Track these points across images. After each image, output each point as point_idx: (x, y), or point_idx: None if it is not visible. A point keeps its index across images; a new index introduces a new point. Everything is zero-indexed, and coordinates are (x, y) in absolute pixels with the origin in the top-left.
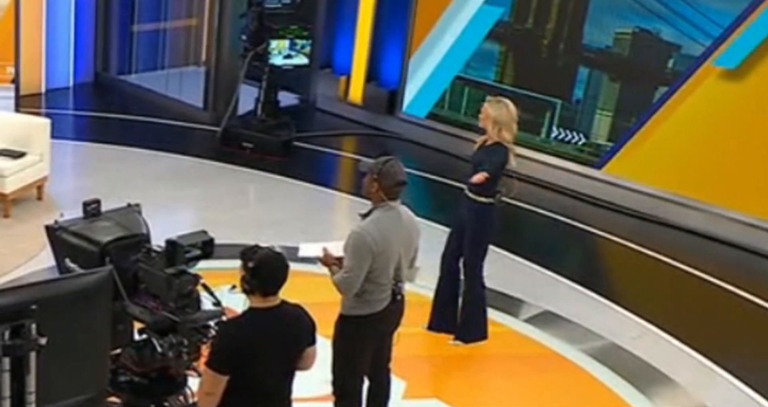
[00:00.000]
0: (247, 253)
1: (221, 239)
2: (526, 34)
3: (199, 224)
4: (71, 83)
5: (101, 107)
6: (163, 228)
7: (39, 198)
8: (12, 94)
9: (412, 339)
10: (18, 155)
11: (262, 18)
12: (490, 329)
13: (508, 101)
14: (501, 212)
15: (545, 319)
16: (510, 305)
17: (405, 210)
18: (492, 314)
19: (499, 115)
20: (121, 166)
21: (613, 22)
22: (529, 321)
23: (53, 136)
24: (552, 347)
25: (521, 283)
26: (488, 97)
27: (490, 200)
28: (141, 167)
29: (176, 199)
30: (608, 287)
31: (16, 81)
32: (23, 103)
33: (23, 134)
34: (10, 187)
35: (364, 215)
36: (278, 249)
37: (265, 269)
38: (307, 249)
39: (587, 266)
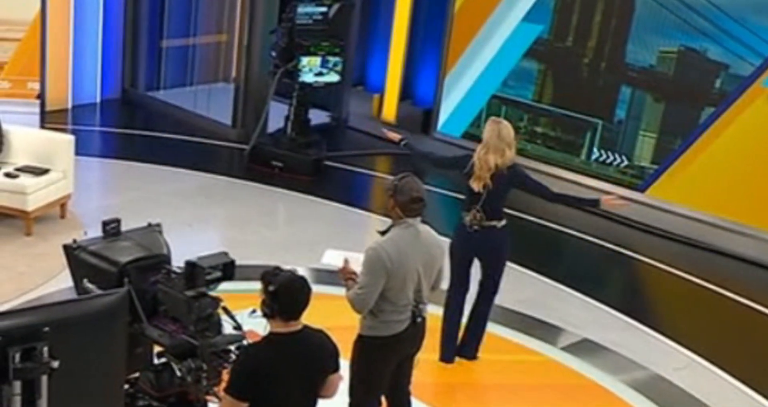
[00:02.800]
0: (267, 276)
1: (247, 259)
2: (566, 53)
3: (225, 245)
4: (98, 99)
5: (128, 123)
6: (188, 248)
7: (62, 216)
8: (37, 109)
9: (444, 366)
10: (41, 172)
11: (293, 34)
12: (527, 357)
13: (505, 124)
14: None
15: (584, 348)
16: (547, 332)
17: (425, 229)
18: (529, 341)
19: (488, 137)
20: (147, 184)
21: (657, 40)
22: (568, 349)
23: (79, 152)
24: (591, 377)
25: (560, 310)
26: (491, 118)
27: (462, 215)
28: (167, 185)
29: (202, 218)
30: (651, 316)
31: (41, 97)
32: (49, 119)
33: (47, 150)
34: (32, 204)
35: (383, 233)
36: (301, 272)
37: (286, 293)
38: (331, 256)
39: (629, 293)
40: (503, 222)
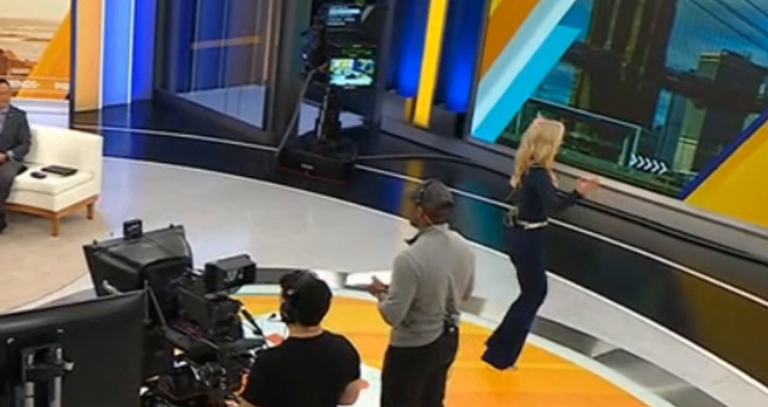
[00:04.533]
0: (287, 280)
1: (275, 263)
2: (604, 56)
3: (253, 248)
4: (129, 100)
5: (158, 124)
6: (215, 250)
7: (89, 217)
8: (67, 110)
9: (477, 374)
10: (68, 172)
11: (324, 36)
12: (558, 366)
13: (539, 121)
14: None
15: (618, 358)
16: (581, 341)
17: (454, 235)
18: (561, 350)
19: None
20: (176, 185)
21: (699, 44)
22: (600, 359)
23: (108, 153)
24: (625, 388)
25: (594, 319)
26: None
27: None
28: (196, 187)
29: (230, 221)
30: (689, 326)
31: (70, 97)
32: (79, 119)
33: (74, 150)
34: (59, 205)
35: (410, 242)
36: (329, 277)
37: (305, 298)
38: (357, 278)
39: (666, 303)
40: (534, 225)
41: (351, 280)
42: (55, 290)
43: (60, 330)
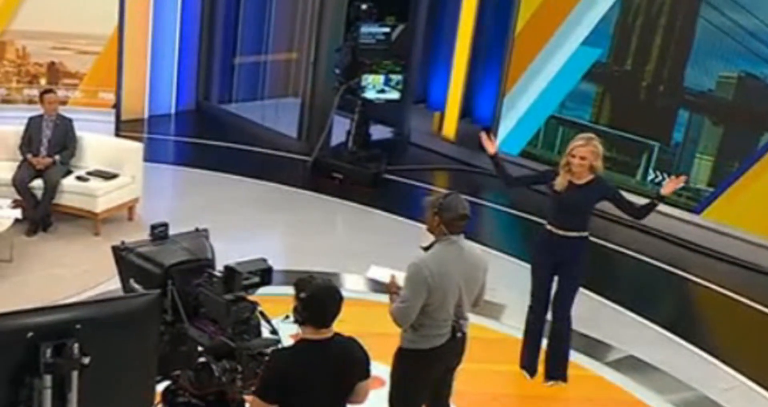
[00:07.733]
0: (300, 283)
1: (303, 265)
2: (624, 76)
3: (283, 250)
4: (173, 111)
5: (201, 133)
6: (247, 253)
7: (130, 218)
8: (113, 119)
9: (490, 375)
10: (110, 176)
11: (356, 53)
12: (570, 371)
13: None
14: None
15: (630, 364)
16: (593, 347)
17: (469, 245)
18: (574, 356)
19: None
20: (214, 191)
21: (717, 65)
22: (613, 365)
23: (152, 160)
24: (635, 394)
25: (608, 326)
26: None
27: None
28: (233, 193)
29: (263, 225)
30: (701, 336)
31: (117, 107)
32: (125, 128)
33: (117, 156)
34: (101, 206)
35: (426, 249)
36: (354, 280)
37: (316, 301)
38: (377, 272)
39: (680, 313)
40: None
41: (371, 272)
42: (91, 287)
43: (78, 326)
